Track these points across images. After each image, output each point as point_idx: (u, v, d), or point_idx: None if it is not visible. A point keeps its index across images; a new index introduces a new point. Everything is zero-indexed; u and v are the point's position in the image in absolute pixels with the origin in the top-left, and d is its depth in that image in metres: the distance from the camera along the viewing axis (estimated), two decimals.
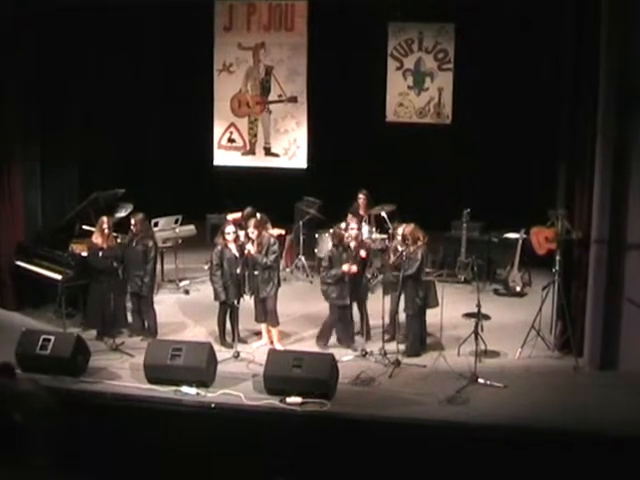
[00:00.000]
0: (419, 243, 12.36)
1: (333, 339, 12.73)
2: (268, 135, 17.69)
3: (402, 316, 12.62)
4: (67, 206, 15.03)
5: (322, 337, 12.72)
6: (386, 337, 12.38)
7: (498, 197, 16.87)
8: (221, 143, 17.91)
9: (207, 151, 17.96)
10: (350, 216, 15.54)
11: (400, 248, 12.41)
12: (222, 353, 12.09)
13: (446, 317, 12.67)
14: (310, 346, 12.59)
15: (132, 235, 13.04)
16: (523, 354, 12.27)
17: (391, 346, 12.16)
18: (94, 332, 12.89)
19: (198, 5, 16.63)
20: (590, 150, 11.73)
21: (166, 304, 14.40)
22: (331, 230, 14.99)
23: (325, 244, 15.01)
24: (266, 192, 16.45)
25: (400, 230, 12.58)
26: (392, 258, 12.53)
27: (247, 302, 12.80)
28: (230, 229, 12.61)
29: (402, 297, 12.50)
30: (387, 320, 12.58)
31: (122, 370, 11.83)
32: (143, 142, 18.33)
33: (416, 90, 17.58)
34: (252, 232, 12.47)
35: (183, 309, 14.38)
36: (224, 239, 12.59)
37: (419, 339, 12.42)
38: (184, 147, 18.50)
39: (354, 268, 12.27)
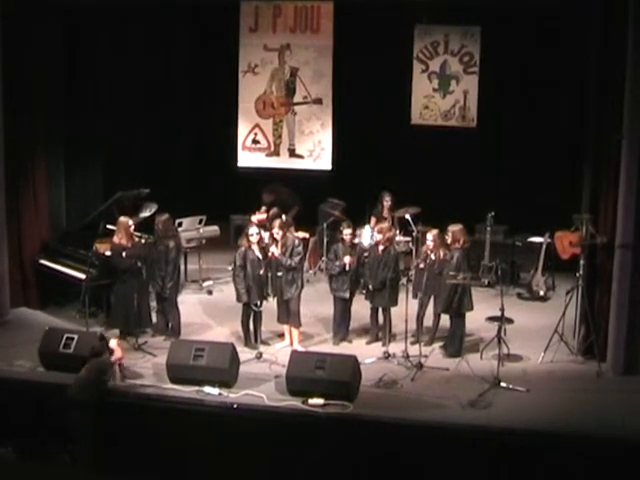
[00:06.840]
0: (457, 245, 12.35)
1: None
2: (293, 136, 17.69)
3: (427, 319, 12.67)
4: (91, 205, 15.08)
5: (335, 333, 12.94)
6: (410, 340, 12.36)
7: (522, 201, 16.81)
8: (245, 144, 17.92)
9: (231, 152, 17.98)
10: (374, 219, 15.56)
11: (429, 252, 12.42)
12: (245, 354, 12.10)
13: (469, 320, 12.64)
14: (333, 348, 12.60)
15: (156, 235, 13.09)
16: (546, 358, 12.20)
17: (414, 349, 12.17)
18: (117, 331, 12.93)
19: (224, 6, 16.68)
20: (615, 154, 11.67)
21: (189, 304, 14.41)
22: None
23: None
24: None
25: (429, 235, 12.54)
26: (419, 261, 12.56)
27: (270, 303, 12.81)
28: (254, 230, 12.60)
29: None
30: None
31: (145, 369, 11.85)
32: (167, 142, 18.35)
33: (441, 93, 17.53)
34: (277, 233, 12.47)
35: (206, 309, 14.40)
36: (248, 241, 12.58)
37: (459, 340, 12.42)
38: (208, 148, 18.54)
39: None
